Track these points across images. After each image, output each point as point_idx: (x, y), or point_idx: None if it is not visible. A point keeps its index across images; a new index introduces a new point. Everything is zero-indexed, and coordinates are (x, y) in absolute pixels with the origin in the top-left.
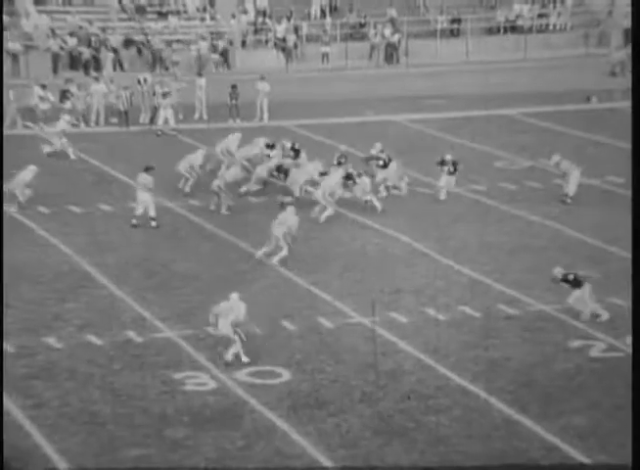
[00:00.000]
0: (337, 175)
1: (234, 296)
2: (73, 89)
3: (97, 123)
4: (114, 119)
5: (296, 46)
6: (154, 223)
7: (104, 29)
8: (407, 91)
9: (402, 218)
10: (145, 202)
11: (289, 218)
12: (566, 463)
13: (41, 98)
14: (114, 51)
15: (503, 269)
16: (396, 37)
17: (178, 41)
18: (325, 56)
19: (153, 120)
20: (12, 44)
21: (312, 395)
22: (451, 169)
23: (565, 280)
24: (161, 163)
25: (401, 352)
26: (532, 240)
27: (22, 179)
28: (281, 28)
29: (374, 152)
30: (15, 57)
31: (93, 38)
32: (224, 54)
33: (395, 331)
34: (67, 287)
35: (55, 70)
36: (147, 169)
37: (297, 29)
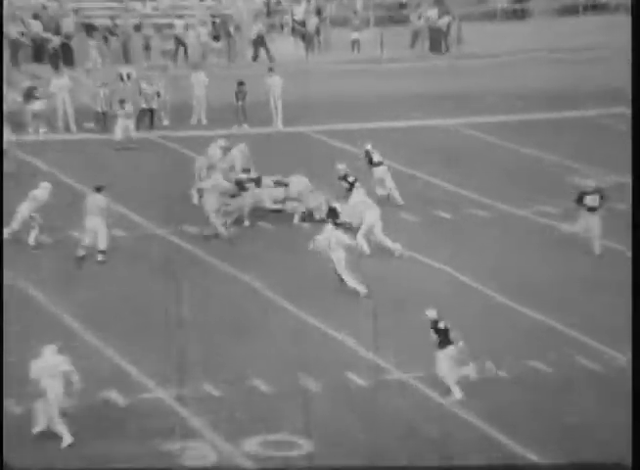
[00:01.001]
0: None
1: (49, 349)
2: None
3: (67, 129)
4: (90, 124)
5: (318, 32)
6: (100, 258)
7: (76, 11)
8: (458, 88)
9: (448, 246)
10: (94, 228)
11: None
12: (566, 463)
13: None
14: (67, 37)
15: (577, 311)
16: (445, 20)
17: (170, 26)
18: (355, 44)
19: (137, 125)
20: None
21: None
22: (594, 204)
23: (435, 329)
24: (147, 179)
25: (450, 415)
26: (613, 275)
27: (34, 201)
28: (299, 10)
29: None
30: None
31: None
32: (260, 42)
33: (443, 388)
34: (34, 337)
35: (15, 63)
36: (98, 189)
37: (319, 11)
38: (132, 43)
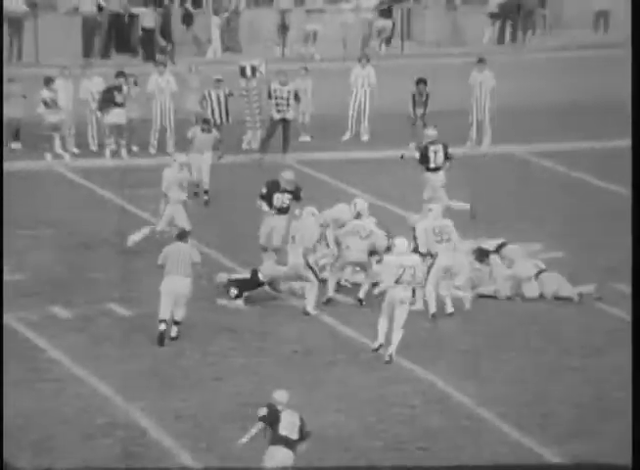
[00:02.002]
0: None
1: None
2: (126, 88)
3: (163, 149)
4: None
5: None
6: (174, 332)
7: None
8: None
9: None
10: (177, 291)
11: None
12: (565, 463)
13: (46, 103)
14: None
15: None
16: None
17: None
18: (601, 18)
19: (265, 145)
20: (11, 2)
21: None
22: None
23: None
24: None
25: None
26: None
27: None
28: None
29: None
30: (16, 25)
31: None
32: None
33: None
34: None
35: (87, 53)
36: (181, 237)
37: None
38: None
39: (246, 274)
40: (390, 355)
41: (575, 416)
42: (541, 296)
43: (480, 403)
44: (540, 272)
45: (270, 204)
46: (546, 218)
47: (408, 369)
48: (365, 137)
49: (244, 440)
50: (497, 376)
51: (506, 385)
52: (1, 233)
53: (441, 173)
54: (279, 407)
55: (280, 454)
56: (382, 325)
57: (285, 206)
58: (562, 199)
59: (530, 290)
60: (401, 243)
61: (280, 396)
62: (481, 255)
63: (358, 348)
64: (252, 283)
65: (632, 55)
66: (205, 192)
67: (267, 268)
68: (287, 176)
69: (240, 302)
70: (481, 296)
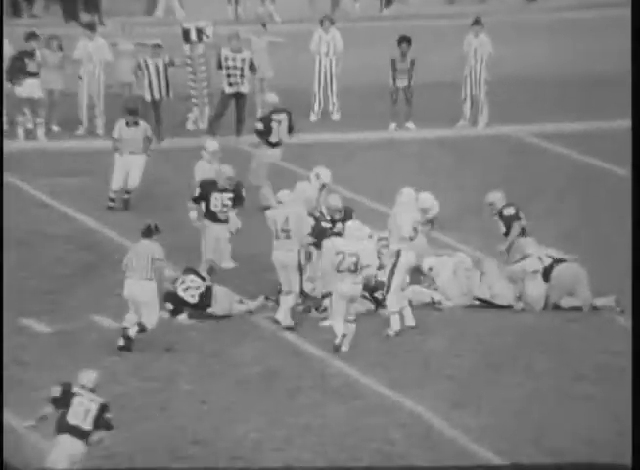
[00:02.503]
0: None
1: None
2: (40, 54)
3: (90, 130)
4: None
5: None
6: (122, 341)
7: None
8: None
9: None
10: (138, 296)
11: None
12: (566, 463)
13: None
14: None
15: None
16: None
17: None
18: None
19: (214, 125)
20: None
21: None
22: None
23: None
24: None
25: None
26: None
27: None
28: None
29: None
30: None
31: None
32: None
33: None
34: None
35: (16, 11)
36: (147, 232)
37: None
38: None
39: (194, 295)
40: (339, 346)
41: (585, 453)
42: (547, 301)
43: (474, 438)
44: (554, 263)
45: (207, 207)
46: (549, 210)
47: (387, 396)
48: (336, 116)
49: (31, 423)
50: (493, 404)
51: (503, 415)
52: (1, 233)
53: (279, 149)
54: (77, 390)
55: (67, 444)
56: (337, 325)
57: (226, 210)
58: (566, 187)
59: (534, 287)
60: (352, 226)
61: (86, 377)
62: None
63: (327, 371)
64: (198, 309)
65: (632, 36)
66: (127, 192)
67: (224, 306)
68: (227, 172)
69: (184, 316)
70: (477, 299)
